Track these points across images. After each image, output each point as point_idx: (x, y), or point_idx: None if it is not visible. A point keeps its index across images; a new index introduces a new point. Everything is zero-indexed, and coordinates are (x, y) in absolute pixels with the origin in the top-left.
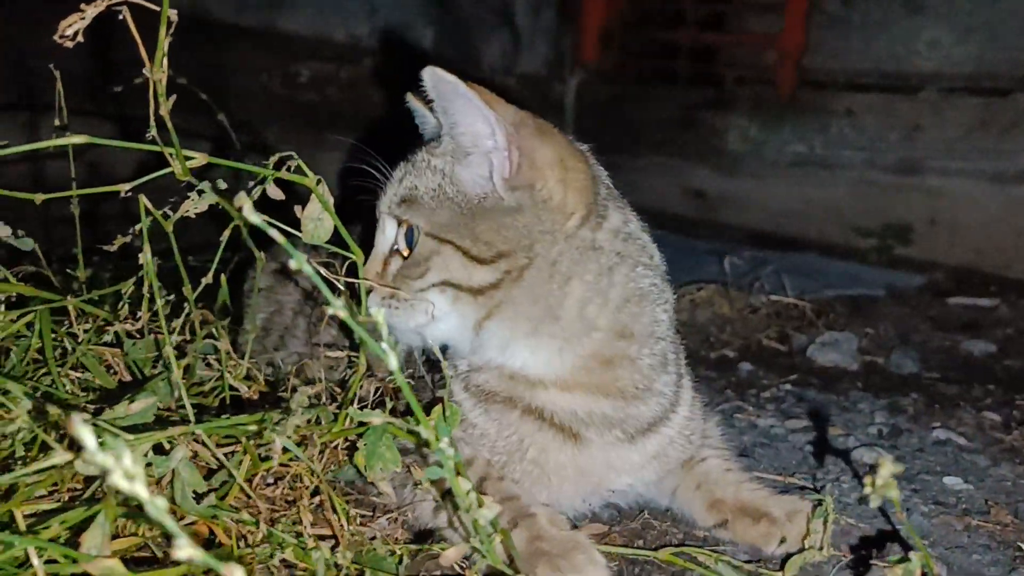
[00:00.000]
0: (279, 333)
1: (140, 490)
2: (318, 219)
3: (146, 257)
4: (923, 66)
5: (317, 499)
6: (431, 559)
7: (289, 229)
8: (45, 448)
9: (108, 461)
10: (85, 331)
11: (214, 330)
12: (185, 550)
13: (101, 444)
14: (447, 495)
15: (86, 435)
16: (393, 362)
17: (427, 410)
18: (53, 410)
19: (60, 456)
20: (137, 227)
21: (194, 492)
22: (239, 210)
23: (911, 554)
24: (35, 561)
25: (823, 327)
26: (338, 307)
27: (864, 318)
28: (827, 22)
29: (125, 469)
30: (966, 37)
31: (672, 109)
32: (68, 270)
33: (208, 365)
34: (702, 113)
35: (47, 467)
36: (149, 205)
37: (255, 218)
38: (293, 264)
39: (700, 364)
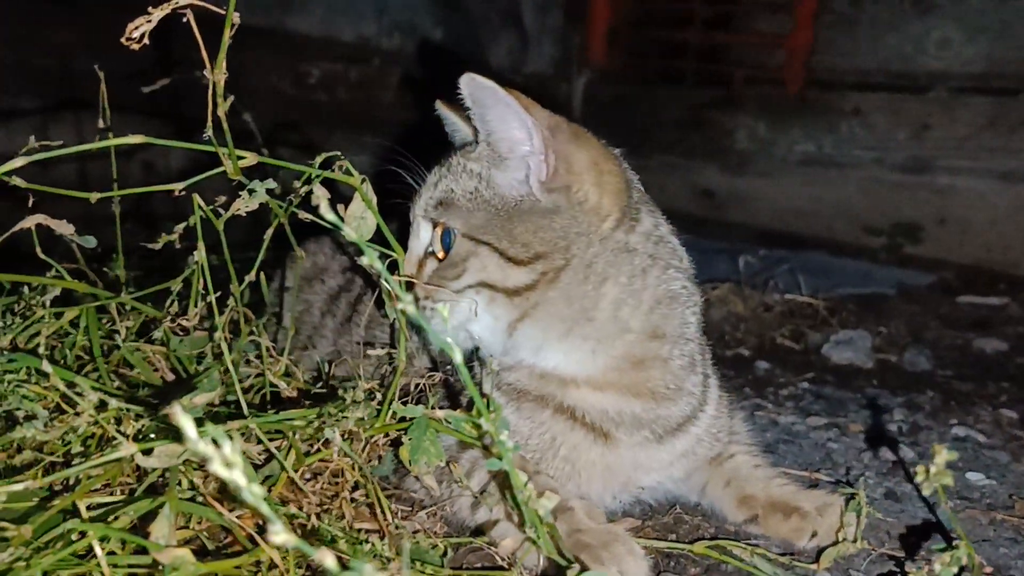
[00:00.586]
0: (307, 333)
1: (239, 478)
2: (361, 218)
3: (200, 255)
4: (932, 65)
5: (357, 493)
6: (472, 552)
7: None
8: (101, 443)
9: (209, 450)
10: (127, 328)
11: (254, 328)
12: (280, 536)
13: (201, 435)
14: (494, 489)
15: (188, 425)
16: (458, 356)
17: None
18: (114, 404)
19: (126, 449)
20: (180, 226)
21: None
22: (316, 208)
23: (956, 543)
24: (98, 551)
25: (837, 325)
26: (407, 303)
27: (876, 316)
28: (836, 21)
29: (225, 457)
30: (975, 36)
31: (680, 109)
32: (105, 268)
33: (247, 362)
34: (710, 112)
35: (112, 460)
36: (202, 204)
37: (332, 216)
38: (364, 261)
39: (717, 362)
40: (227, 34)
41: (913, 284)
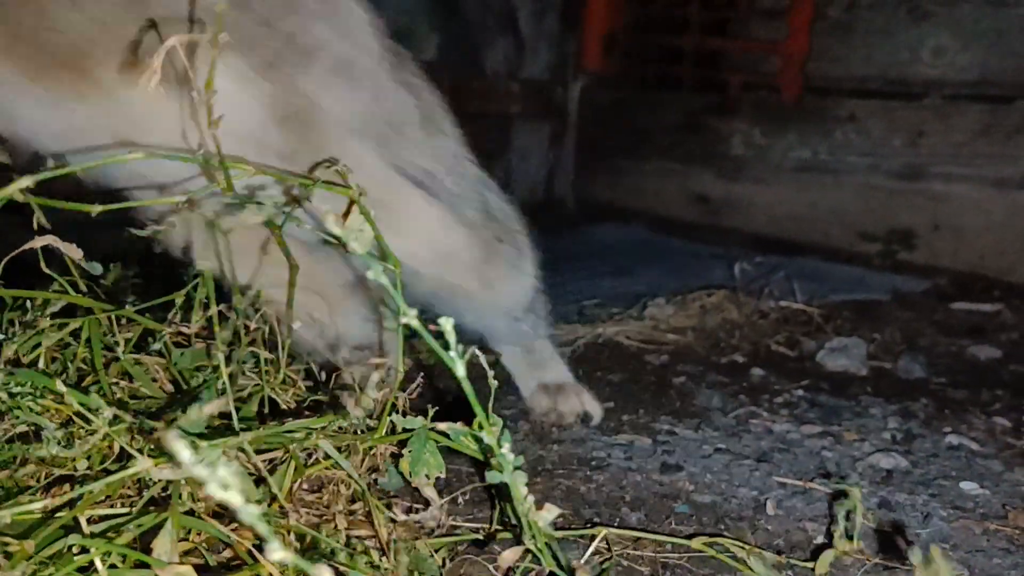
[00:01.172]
0: None
1: (234, 498)
2: (359, 230)
3: (204, 266)
4: (927, 73)
5: (356, 505)
6: (472, 564)
7: (334, 238)
8: (105, 457)
9: (204, 472)
10: (127, 340)
11: (255, 338)
12: (278, 553)
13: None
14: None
15: (181, 449)
16: (460, 369)
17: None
18: (125, 419)
19: (142, 463)
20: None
21: None
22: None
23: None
24: (100, 568)
25: (831, 332)
26: (411, 316)
27: (871, 323)
28: (831, 28)
29: (221, 479)
30: (970, 44)
31: (676, 114)
32: (103, 280)
33: (243, 373)
34: (706, 118)
35: (129, 474)
36: (204, 216)
37: (338, 230)
38: (371, 275)
39: (711, 369)
40: (215, 53)
41: (908, 290)
